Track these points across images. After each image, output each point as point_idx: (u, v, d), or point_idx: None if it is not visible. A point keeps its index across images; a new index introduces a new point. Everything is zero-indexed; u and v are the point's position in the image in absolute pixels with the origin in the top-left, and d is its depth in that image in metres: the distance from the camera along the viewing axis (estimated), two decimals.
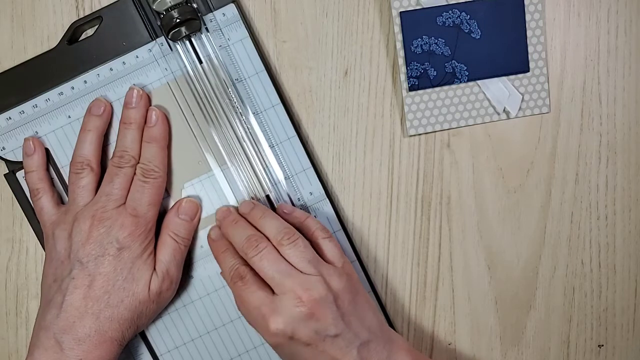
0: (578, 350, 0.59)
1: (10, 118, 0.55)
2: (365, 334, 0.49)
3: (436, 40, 0.56)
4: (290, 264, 0.49)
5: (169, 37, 0.53)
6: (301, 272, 0.49)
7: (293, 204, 0.55)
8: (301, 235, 0.51)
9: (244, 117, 0.55)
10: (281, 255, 0.49)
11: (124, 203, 0.52)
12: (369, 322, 0.50)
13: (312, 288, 0.48)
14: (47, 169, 0.55)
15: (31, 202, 0.54)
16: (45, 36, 0.56)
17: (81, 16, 0.56)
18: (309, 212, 0.55)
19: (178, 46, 0.55)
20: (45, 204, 0.53)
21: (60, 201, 0.55)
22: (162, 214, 0.54)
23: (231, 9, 0.54)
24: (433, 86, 0.56)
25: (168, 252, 0.53)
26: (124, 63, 0.55)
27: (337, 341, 0.48)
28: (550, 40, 0.57)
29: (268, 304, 0.48)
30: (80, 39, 0.55)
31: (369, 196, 0.57)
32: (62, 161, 0.55)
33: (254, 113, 0.55)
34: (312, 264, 0.49)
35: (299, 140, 0.55)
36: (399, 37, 0.55)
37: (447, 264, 0.58)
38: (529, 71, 0.56)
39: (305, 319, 0.48)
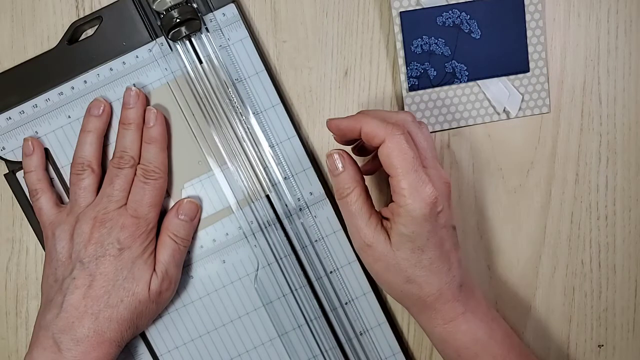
0: (578, 350, 0.58)
1: (10, 118, 0.54)
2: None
3: (436, 40, 0.56)
4: None
5: (169, 37, 0.53)
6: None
7: (293, 205, 0.55)
8: None
9: (244, 117, 0.55)
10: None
11: (125, 204, 0.52)
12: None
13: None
14: (47, 169, 0.55)
15: (30, 202, 0.54)
16: (45, 36, 0.56)
17: (81, 16, 0.56)
18: (309, 212, 0.55)
19: (178, 46, 0.55)
20: (44, 204, 0.53)
21: (60, 201, 0.55)
22: (162, 214, 0.54)
23: (231, 9, 0.54)
24: (433, 86, 0.56)
25: (167, 252, 0.53)
26: (124, 63, 0.55)
27: (454, 235, 0.49)
28: (550, 40, 0.57)
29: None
30: (80, 39, 0.55)
31: None
32: (62, 161, 0.55)
33: (254, 113, 0.55)
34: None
35: (299, 140, 0.55)
36: (399, 37, 0.55)
37: None
38: (529, 71, 0.56)
39: (446, 197, 0.48)
